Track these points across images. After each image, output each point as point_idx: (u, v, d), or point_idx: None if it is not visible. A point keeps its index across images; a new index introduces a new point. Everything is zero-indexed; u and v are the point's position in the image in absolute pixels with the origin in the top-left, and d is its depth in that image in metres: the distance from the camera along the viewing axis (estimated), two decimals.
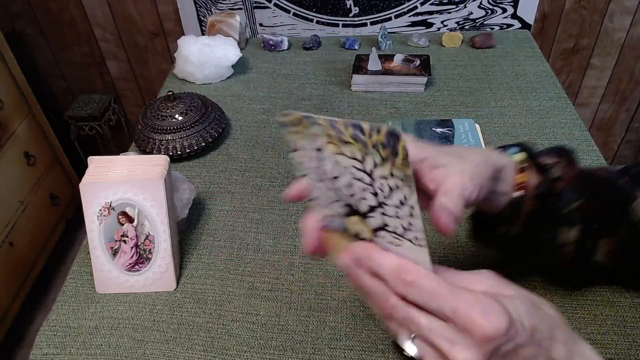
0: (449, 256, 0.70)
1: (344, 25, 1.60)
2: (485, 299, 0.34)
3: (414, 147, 0.44)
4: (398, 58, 1.06)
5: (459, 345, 0.34)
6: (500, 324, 0.33)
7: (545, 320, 0.36)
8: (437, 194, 0.43)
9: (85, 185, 0.65)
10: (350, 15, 1.57)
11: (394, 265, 0.36)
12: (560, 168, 0.51)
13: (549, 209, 0.50)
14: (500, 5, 1.52)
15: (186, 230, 0.77)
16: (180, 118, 0.90)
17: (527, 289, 0.38)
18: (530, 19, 1.56)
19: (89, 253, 0.68)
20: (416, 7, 1.54)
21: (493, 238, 0.57)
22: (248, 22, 1.60)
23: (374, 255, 0.37)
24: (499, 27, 1.57)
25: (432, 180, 0.43)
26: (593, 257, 0.53)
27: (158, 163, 0.67)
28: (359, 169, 0.36)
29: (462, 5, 1.52)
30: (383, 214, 0.37)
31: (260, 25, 1.61)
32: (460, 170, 0.43)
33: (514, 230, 0.53)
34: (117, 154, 0.73)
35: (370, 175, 0.36)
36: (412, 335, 0.37)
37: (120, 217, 0.66)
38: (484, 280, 0.37)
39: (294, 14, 1.58)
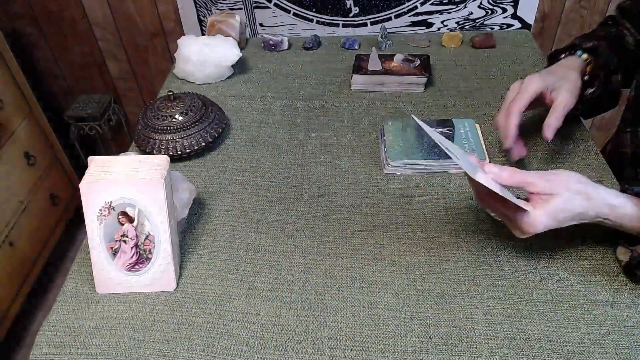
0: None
1: (344, 25, 1.60)
2: (534, 212, 0.59)
3: (539, 79, 0.72)
4: (398, 58, 1.06)
5: (516, 228, 0.62)
6: (534, 229, 0.60)
7: (593, 207, 0.61)
8: (552, 103, 0.72)
9: (85, 185, 0.65)
10: (350, 15, 1.57)
11: (495, 170, 0.61)
12: (604, 45, 0.81)
13: (607, 71, 0.81)
14: (500, 5, 1.52)
15: (186, 230, 0.77)
16: (180, 118, 0.90)
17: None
18: (530, 19, 1.55)
19: (89, 253, 0.68)
20: (416, 7, 1.53)
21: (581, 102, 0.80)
22: (248, 22, 1.60)
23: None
24: (499, 27, 1.57)
25: (550, 100, 0.72)
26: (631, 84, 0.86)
27: (158, 163, 0.67)
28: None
29: (462, 5, 1.52)
30: None
31: (260, 25, 1.61)
32: (566, 90, 0.72)
33: (596, 92, 0.82)
34: (117, 154, 0.73)
35: None
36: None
37: (120, 217, 0.66)
38: (573, 177, 0.61)
39: (294, 14, 1.58)
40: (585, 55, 0.80)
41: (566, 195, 0.60)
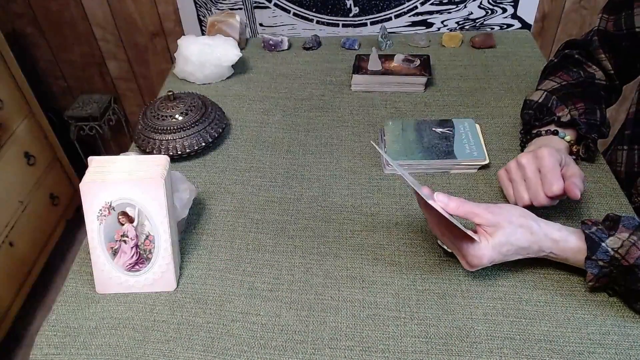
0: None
1: (344, 25, 1.60)
2: (480, 244, 0.61)
3: (555, 152, 0.70)
4: (398, 58, 1.06)
5: (464, 260, 0.64)
6: (480, 262, 0.61)
7: (536, 241, 0.62)
8: (567, 178, 0.68)
9: (86, 185, 0.65)
10: (350, 15, 1.57)
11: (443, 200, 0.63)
12: (581, 109, 0.80)
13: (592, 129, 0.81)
14: (500, 5, 1.52)
15: (186, 230, 0.77)
16: (180, 118, 0.90)
17: None
18: (530, 19, 1.56)
19: (89, 253, 0.68)
20: (416, 7, 1.54)
21: None
22: (248, 22, 1.60)
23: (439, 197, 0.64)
24: (499, 27, 1.57)
25: (564, 172, 0.69)
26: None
27: (158, 163, 0.67)
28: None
29: (462, 5, 1.52)
30: None
31: (260, 25, 1.61)
32: (574, 165, 0.71)
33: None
34: (117, 154, 0.73)
35: None
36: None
37: (120, 217, 0.66)
38: (516, 211, 0.63)
39: (294, 14, 1.58)
40: (568, 137, 0.79)
41: (509, 228, 0.61)
